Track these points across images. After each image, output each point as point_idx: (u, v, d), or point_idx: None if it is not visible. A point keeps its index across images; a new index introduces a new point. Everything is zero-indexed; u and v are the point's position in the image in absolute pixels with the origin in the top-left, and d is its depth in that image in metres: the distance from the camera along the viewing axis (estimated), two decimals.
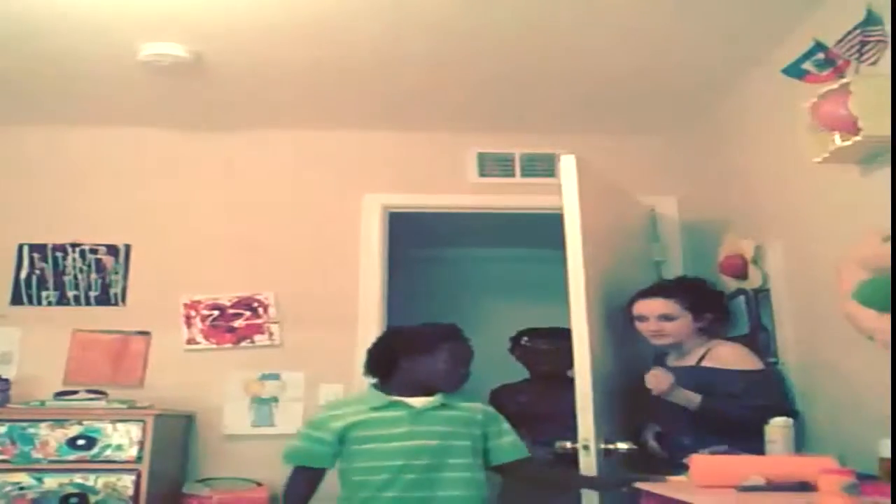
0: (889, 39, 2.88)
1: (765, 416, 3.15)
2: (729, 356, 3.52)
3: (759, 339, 3.85)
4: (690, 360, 3.60)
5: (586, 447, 3.41)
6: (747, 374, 3.43)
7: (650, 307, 3.68)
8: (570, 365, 4.24)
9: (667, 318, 3.63)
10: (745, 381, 3.39)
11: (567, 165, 3.80)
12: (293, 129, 4.85)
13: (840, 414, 3.21)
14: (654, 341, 3.71)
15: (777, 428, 3.07)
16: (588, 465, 3.40)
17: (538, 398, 4.48)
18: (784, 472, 2.64)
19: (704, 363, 3.53)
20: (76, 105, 4.53)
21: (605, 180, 4.19)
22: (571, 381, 4.26)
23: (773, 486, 2.58)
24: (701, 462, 2.85)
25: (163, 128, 4.79)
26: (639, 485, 3.20)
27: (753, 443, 3.13)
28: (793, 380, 3.61)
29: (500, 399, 4.47)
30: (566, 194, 3.75)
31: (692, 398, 3.39)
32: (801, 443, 3.19)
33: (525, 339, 4.76)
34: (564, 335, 4.35)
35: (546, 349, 4.60)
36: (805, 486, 2.47)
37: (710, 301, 3.74)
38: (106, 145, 4.82)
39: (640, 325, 3.72)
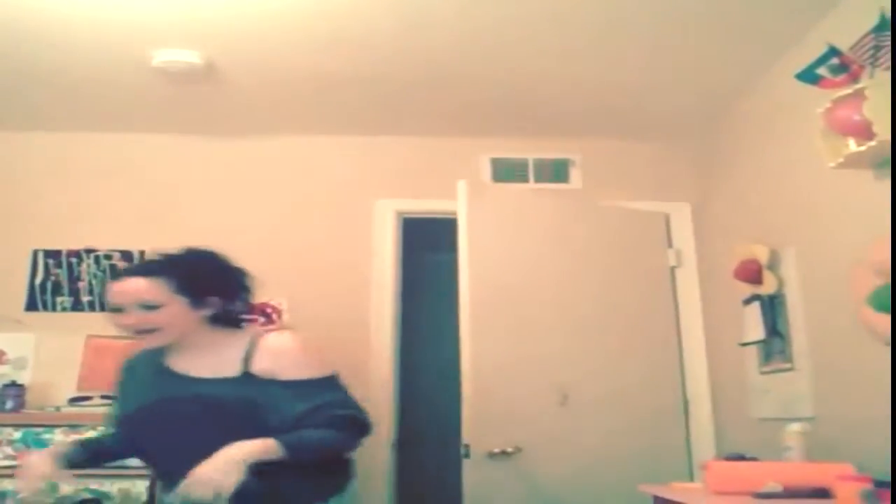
0: None
1: (349, 426, 2.55)
2: (286, 352, 2.60)
3: (775, 344, 3.85)
4: (228, 366, 2.57)
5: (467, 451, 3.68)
6: (315, 383, 2.57)
7: (126, 291, 2.55)
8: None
9: (148, 306, 2.52)
10: (315, 389, 2.55)
11: (461, 190, 4.05)
12: (304, 134, 4.86)
13: (856, 420, 3.20)
14: (146, 343, 2.61)
15: (794, 434, 3.07)
16: (468, 467, 3.67)
17: None
18: (801, 479, 2.64)
19: (255, 367, 2.54)
20: (90, 111, 4.54)
21: (596, 199, 4.36)
22: None
23: (790, 493, 2.57)
24: (717, 468, 2.84)
25: (175, 134, 4.81)
26: (650, 489, 3.20)
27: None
28: (808, 385, 3.60)
29: None
30: (459, 217, 4.02)
31: (269, 450, 2.37)
32: (816, 449, 3.17)
33: None
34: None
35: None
36: (823, 493, 2.47)
37: (213, 280, 2.68)
38: (119, 151, 4.84)
39: (118, 321, 2.56)
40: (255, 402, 2.46)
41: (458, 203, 4.01)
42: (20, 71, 4.02)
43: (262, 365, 2.53)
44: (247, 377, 2.51)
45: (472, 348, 3.79)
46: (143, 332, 2.54)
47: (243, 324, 2.72)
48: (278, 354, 2.56)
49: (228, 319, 2.68)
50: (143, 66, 3.91)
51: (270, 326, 3.21)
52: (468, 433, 3.71)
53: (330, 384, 2.60)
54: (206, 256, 2.73)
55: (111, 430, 2.78)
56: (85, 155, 4.83)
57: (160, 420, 2.54)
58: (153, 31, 3.66)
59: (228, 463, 2.28)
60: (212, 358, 2.59)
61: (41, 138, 4.81)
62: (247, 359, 2.55)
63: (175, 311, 2.54)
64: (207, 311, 2.60)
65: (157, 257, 2.69)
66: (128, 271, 2.69)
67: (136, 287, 2.53)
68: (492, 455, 3.74)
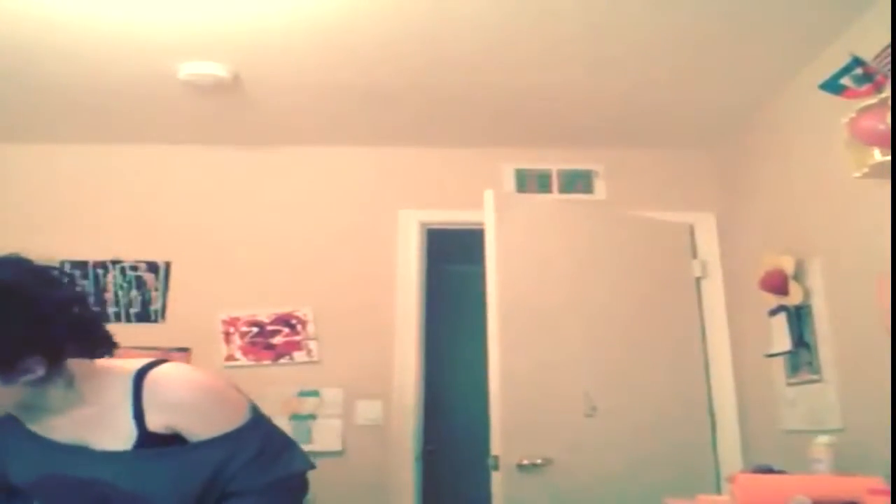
0: None
1: (298, 478, 2.07)
2: (189, 400, 1.94)
3: (802, 355, 3.83)
4: (116, 429, 1.91)
5: (496, 463, 3.66)
6: (244, 430, 1.97)
7: None
8: None
9: None
10: (246, 437, 1.97)
11: (487, 200, 4.04)
12: (329, 145, 4.87)
13: (885, 432, 3.17)
14: None
15: (822, 446, 3.05)
16: (497, 480, 3.64)
17: None
18: (830, 492, 2.62)
19: (152, 425, 1.90)
20: (117, 123, 4.57)
21: (620, 210, 4.41)
22: None
23: None
24: (744, 481, 2.82)
25: (202, 145, 4.84)
26: (677, 503, 3.18)
27: None
28: (837, 396, 3.57)
29: None
30: (486, 227, 4.00)
31: None
32: (844, 461, 3.15)
33: None
34: None
35: None
36: None
37: (23, 337, 1.76)
38: (146, 163, 4.87)
39: None
40: (176, 482, 1.91)
41: (485, 213, 4.01)
42: (48, 85, 4.05)
43: (162, 420, 1.90)
44: (148, 444, 1.89)
45: (500, 359, 3.78)
46: None
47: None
48: (179, 406, 1.91)
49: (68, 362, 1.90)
50: (170, 78, 3.94)
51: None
52: (497, 444, 3.70)
53: (257, 424, 2.01)
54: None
55: None
56: (112, 166, 4.86)
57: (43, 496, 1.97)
58: (180, 45, 3.68)
59: None
60: (82, 416, 1.93)
61: (68, 150, 4.85)
62: (138, 416, 1.89)
63: None
64: (30, 377, 1.79)
65: None
66: None
67: None
68: (521, 467, 3.73)
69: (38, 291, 1.81)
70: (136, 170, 4.86)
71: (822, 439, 3.09)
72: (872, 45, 3.07)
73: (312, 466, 2.09)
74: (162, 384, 1.91)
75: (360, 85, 4.08)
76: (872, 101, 2.92)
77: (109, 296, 4.63)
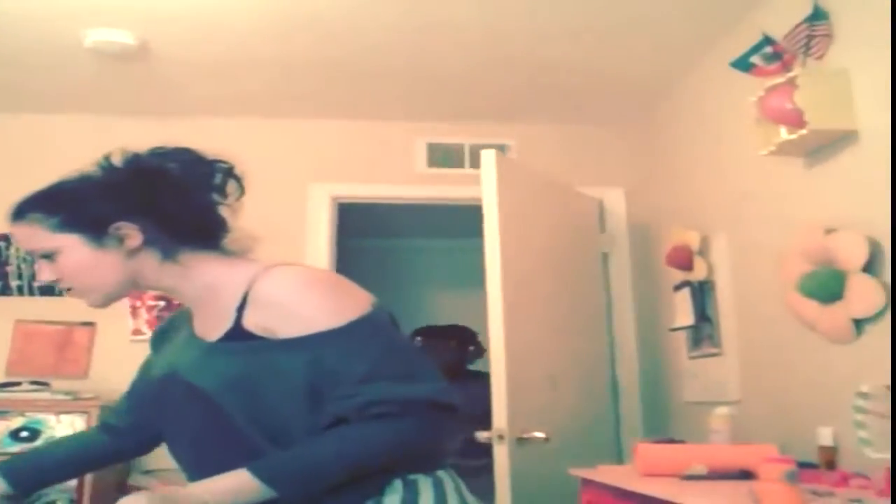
0: (830, 33, 2.94)
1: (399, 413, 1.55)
2: (286, 297, 1.66)
3: (703, 329, 3.90)
4: (221, 321, 1.69)
5: (501, 437, 3.52)
6: (317, 340, 1.59)
7: (17, 240, 1.86)
8: (465, 360, 4.39)
9: (44, 254, 1.78)
10: (338, 354, 1.59)
11: (487, 160, 3.88)
12: (238, 117, 4.78)
13: (781, 403, 3.26)
14: (88, 302, 1.83)
15: (720, 417, 3.11)
16: (502, 454, 3.51)
17: None
18: (726, 461, 2.68)
19: (248, 321, 1.65)
20: (21, 92, 4.44)
21: (539, 173, 4.33)
22: (473, 374, 4.42)
23: (715, 475, 2.61)
24: (645, 451, 2.87)
25: (108, 115, 4.70)
26: (579, 472, 3.22)
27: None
28: (735, 370, 3.65)
29: None
30: (485, 189, 3.85)
31: (240, 487, 1.50)
32: (741, 431, 3.22)
33: (418, 338, 4.69)
34: (456, 332, 4.52)
35: (440, 346, 4.54)
36: (746, 475, 2.51)
37: (111, 197, 1.84)
38: (50, 132, 4.71)
39: None
40: (234, 381, 1.63)
41: (485, 177, 3.89)
42: None
43: (256, 318, 1.65)
44: (234, 337, 1.66)
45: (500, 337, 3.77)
46: (65, 289, 1.82)
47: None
48: (274, 303, 1.65)
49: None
50: (75, 46, 3.83)
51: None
52: (501, 420, 3.64)
53: (364, 327, 1.66)
54: (110, 167, 1.92)
55: (111, 419, 2.01)
56: (16, 136, 4.72)
57: (158, 401, 1.80)
58: (85, 11, 3.57)
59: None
60: (210, 311, 1.75)
61: None
62: (241, 308, 1.67)
63: (73, 255, 1.76)
64: (128, 246, 1.75)
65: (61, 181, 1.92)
66: (16, 210, 1.85)
67: (19, 233, 1.81)
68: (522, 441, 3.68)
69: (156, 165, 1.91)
70: (41, 139, 4.70)
71: (721, 410, 3.16)
72: (785, 21, 3.11)
73: (449, 403, 1.60)
74: (267, 279, 1.68)
75: (271, 56, 4.02)
76: (780, 79, 2.97)
77: (12, 269, 4.51)
